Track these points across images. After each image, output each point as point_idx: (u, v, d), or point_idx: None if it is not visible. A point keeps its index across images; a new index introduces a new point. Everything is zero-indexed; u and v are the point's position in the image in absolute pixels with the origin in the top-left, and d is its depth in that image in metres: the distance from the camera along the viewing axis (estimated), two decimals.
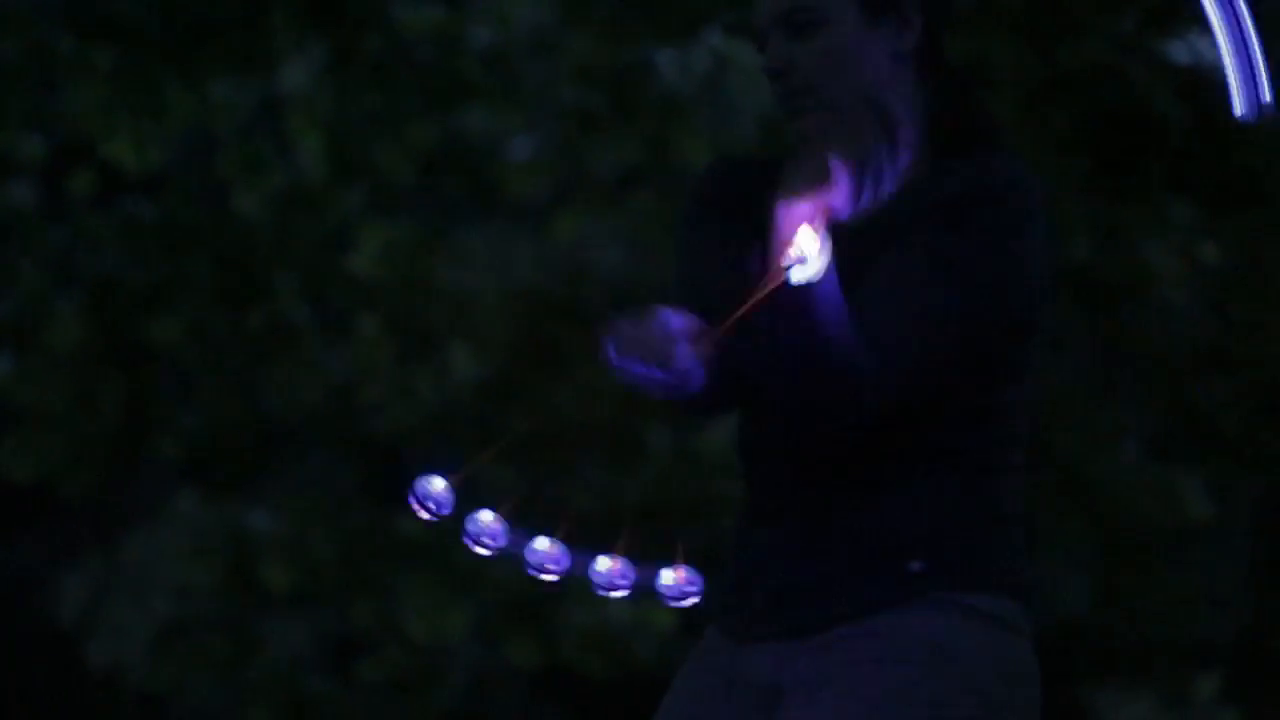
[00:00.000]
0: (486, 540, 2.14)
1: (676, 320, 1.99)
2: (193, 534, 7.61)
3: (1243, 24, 2.30)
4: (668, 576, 2.09)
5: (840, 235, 1.98)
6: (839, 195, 2.01)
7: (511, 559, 2.10)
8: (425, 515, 2.13)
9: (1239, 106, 2.30)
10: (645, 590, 2.06)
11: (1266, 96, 2.32)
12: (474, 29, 6.44)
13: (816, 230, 1.97)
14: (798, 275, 1.96)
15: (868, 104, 2.03)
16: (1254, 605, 7.68)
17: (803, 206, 1.98)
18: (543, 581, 1.99)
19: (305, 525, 7.53)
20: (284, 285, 6.78)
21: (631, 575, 2.03)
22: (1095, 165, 6.07)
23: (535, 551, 2.11)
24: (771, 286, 1.97)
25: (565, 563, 2.11)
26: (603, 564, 2.09)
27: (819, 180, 1.98)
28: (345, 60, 6.19)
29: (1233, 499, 7.54)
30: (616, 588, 2.05)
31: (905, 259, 2.00)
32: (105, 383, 6.74)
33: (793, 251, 1.97)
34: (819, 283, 1.93)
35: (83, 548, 8.01)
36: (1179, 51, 6.12)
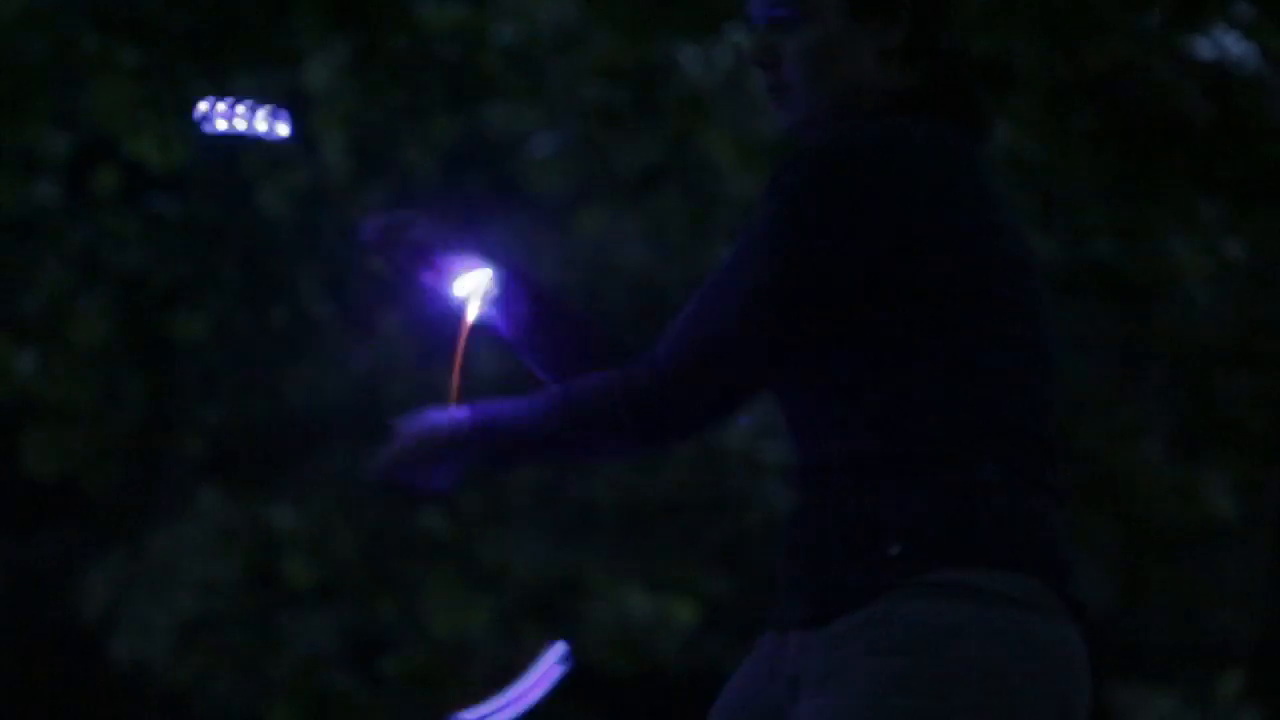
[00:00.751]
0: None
1: (426, 422, 2.05)
2: (216, 530, 7.62)
3: None
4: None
5: None
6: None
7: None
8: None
9: None
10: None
11: None
12: (497, 26, 6.44)
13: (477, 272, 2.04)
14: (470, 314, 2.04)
15: (845, 103, 1.98)
16: (1277, 603, 7.65)
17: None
18: None
19: (328, 521, 7.54)
20: (307, 282, 6.79)
21: None
22: (1121, 163, 6.06)
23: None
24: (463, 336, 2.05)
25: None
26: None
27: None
28: (368, 57, 6.20)
29: (1256, 497, 7.52)
30: None
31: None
32: (129, 379, 6.75)
33: (458, 292, 2.05)
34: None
35: (107, 544, 8.03)
36: (1204, 48, 6.10)
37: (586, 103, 6.60)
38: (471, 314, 2.08)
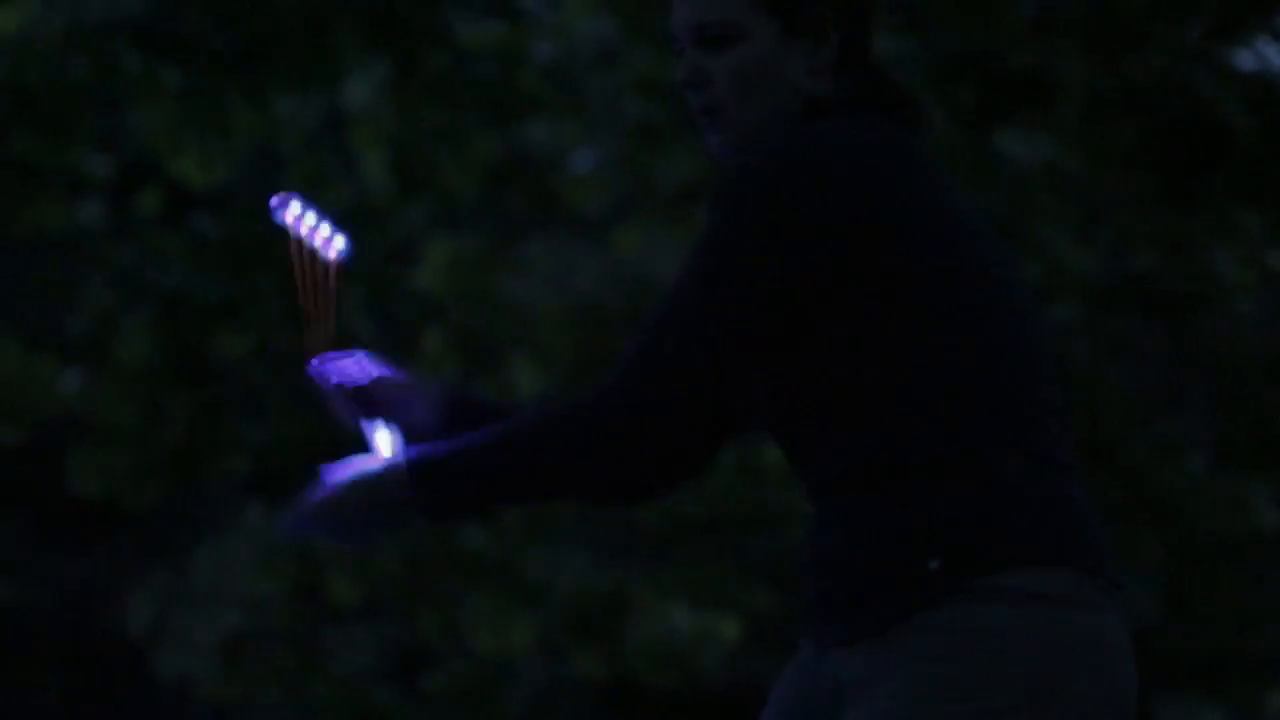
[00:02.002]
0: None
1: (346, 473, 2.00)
2: (260, 547, 7.64)
3: None
4: None
5: None
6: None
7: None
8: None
9: None
10: None
11: None
12: (536, 43, 6.45)
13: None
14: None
15: (776, 121, 1.94)
16: None
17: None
18: None
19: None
20: (348, 301, 6.81)
21: None
22: (1162, 175, 6.03)
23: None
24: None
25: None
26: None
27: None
28: (408, 76, 6.21)
29: None
30: None
31: None
32: (173, 398, 6.78)
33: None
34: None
35: (152, 561, 8.05)
36: (1245, 60, 6.06)
37: (625, 119, 6.60)
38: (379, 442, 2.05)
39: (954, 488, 1.92)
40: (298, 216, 2.09)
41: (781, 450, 2.02)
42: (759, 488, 7.43)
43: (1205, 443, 7.02)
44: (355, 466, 2.00)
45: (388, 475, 1.95)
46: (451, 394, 2.13)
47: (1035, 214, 6.44)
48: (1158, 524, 7.08)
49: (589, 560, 7.97)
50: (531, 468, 1.90)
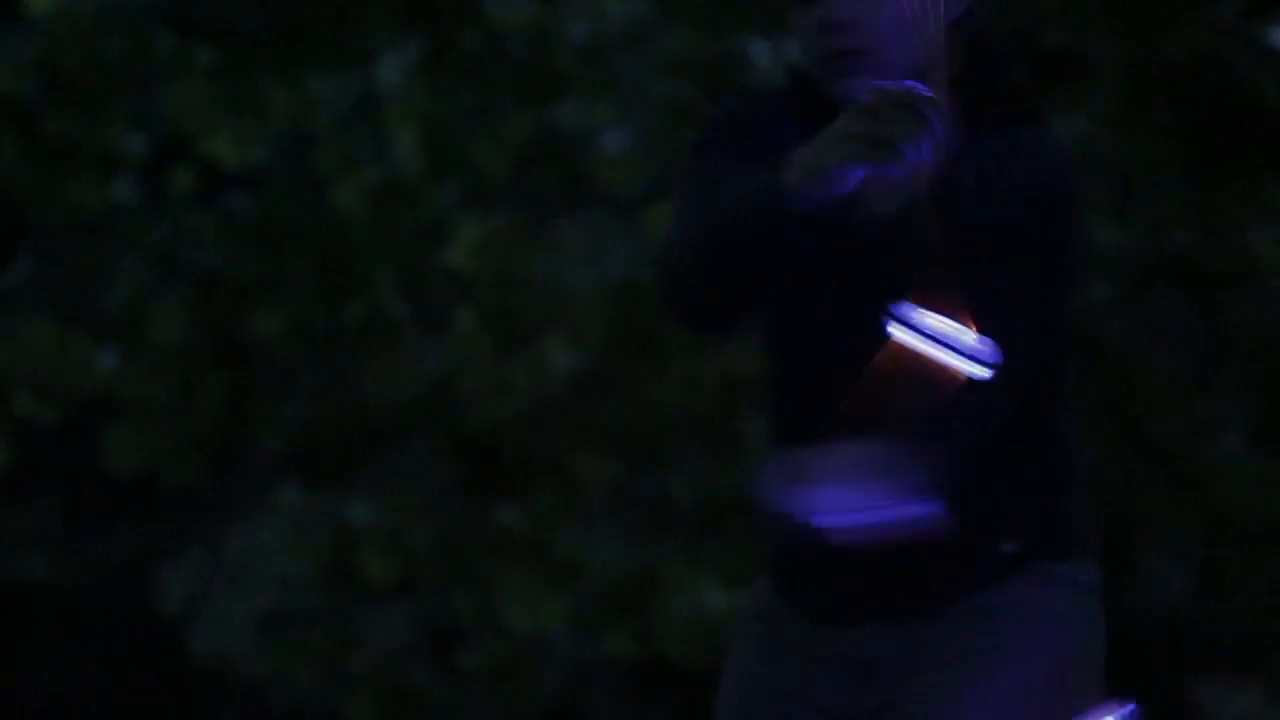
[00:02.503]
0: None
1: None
2: (293, 526, 7.67)
3: None
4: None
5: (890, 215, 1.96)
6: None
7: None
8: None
9: None
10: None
11: None
12: (568, 23, 6.44)
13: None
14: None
15: (921, 74, 1.96)
16: None
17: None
18: None
19: (405, 517, 7.57)
20: (381, 279, 6.82)
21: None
22: (1198, 153, 5.99)
23: None
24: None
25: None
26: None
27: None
28: (440, 55, 6.21)
29: None
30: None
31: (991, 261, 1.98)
32: (207, 377, 6.80)
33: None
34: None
35: (186, 539, 8.09)
36: None
37: (657, 99, 6.59)
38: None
39: (1046, 483, 2.03)
40: None
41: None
42: None
43: (1240, 422, 6.99)
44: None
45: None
46: None
47: None
48: (1192, 504, 7.05)
49: (622, 539, 7.97)
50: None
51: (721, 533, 7.88)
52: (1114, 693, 2.04)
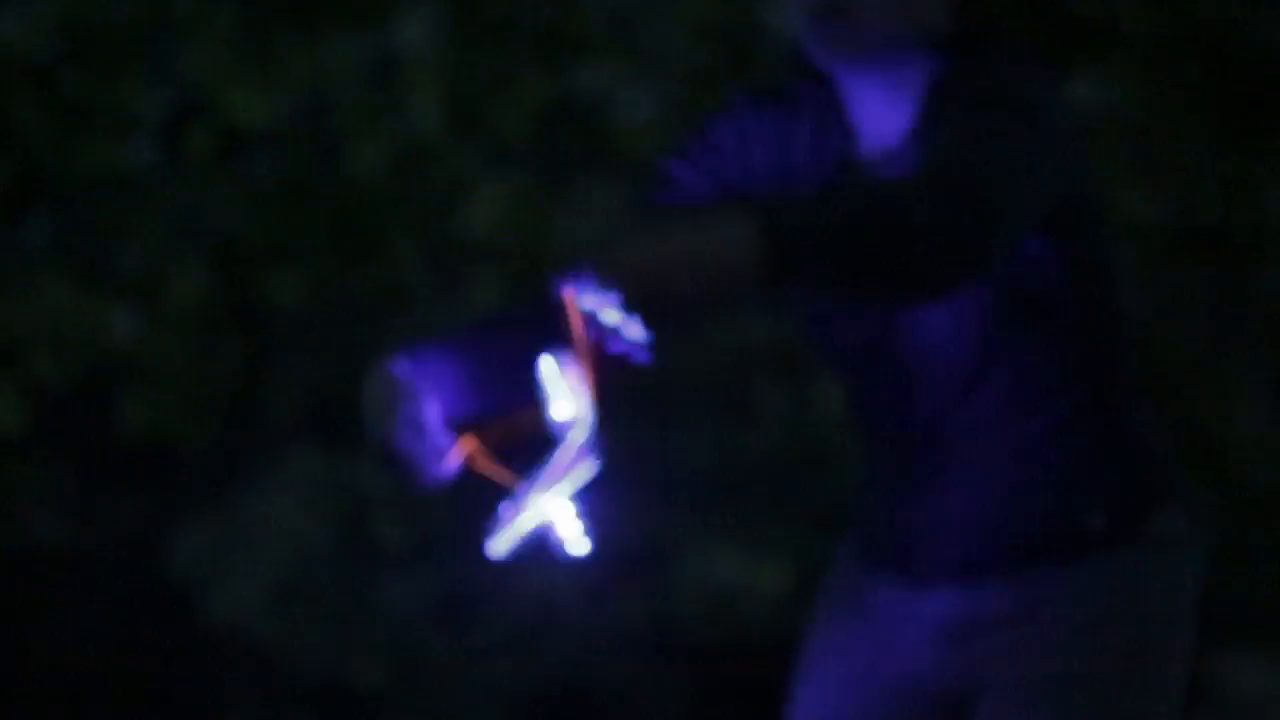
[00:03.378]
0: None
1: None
2: (308, 491, 7.64)
3: None
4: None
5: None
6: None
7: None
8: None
9: None
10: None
11: None
12: None
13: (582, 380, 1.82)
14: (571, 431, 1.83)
15: (914, 39, 1.96)
16: None
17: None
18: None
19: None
20: (400, 243, 6.78)
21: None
22: (1226, 120, 5.95)
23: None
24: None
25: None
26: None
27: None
28: (460, 17, 6.16)
29: None
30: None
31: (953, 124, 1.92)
32: (223, 341, 6.77)
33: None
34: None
35: (199, 504, 8.07)
36: None
37: (680, 62, 6.54)
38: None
39: (1113, 437, 2.03)
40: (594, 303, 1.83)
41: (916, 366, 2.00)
42: (812, 433, 7.39)
43: (1265, 394, 6.96)
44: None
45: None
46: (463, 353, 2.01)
47: (1096, 161, 6.36)
48: (1215, 476, 7.03)
49: (633, 507, 7.94)
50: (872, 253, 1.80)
51: (735, 501, 7.86)
52: None
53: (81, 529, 8.35)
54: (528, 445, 1.94)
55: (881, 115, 1.98)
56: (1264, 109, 5.99)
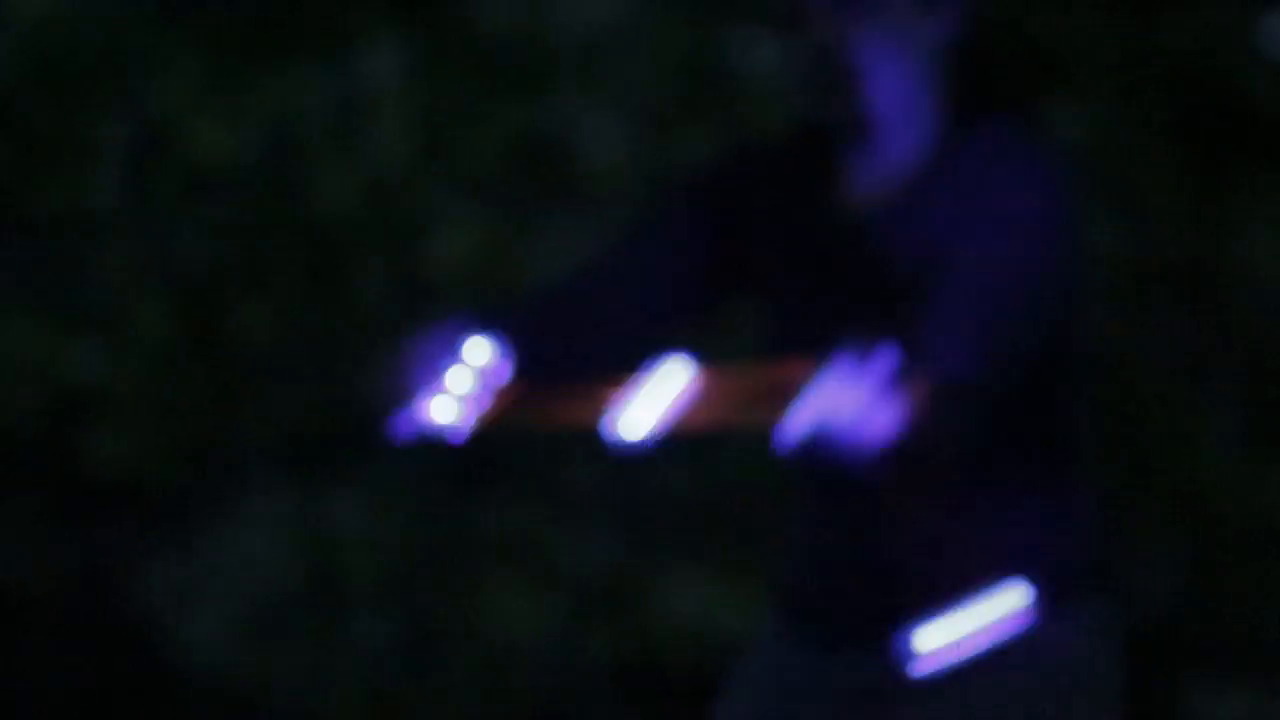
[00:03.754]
0: None
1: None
2: (276, 528, 7.61)
3: None
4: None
5: (859, 223, 1.96)
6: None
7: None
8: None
9: None
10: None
11: None
12: (554, 23, 6.41)
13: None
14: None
15: (897, 104, 1.97)
16: None
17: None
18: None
19: (388, 519, 7.53)
20: (368, 277, 6.77)
21: None
22: (1194, 151, 5.97)
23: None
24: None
25: None
26: None
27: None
28: (426, 52, 6.17)
29: None
30: None
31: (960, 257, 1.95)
32: (190, 375, 6.74)
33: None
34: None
35: (166, 541, 8.03)
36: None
37: (643, 99, 6.56)
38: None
39: (1049, 504, 2.01)
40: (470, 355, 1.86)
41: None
42: (783, 466, 7.36)
43: (1233, 423, 6.97)
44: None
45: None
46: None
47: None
48: (1183, 506, 7.03)
49: (610, 541, 7.92)
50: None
51: (712, 533, 7.84)
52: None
53: (46, 566, 8.30)
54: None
55: (885, 153, 1.98)
56: (1232, 140, 6.01)
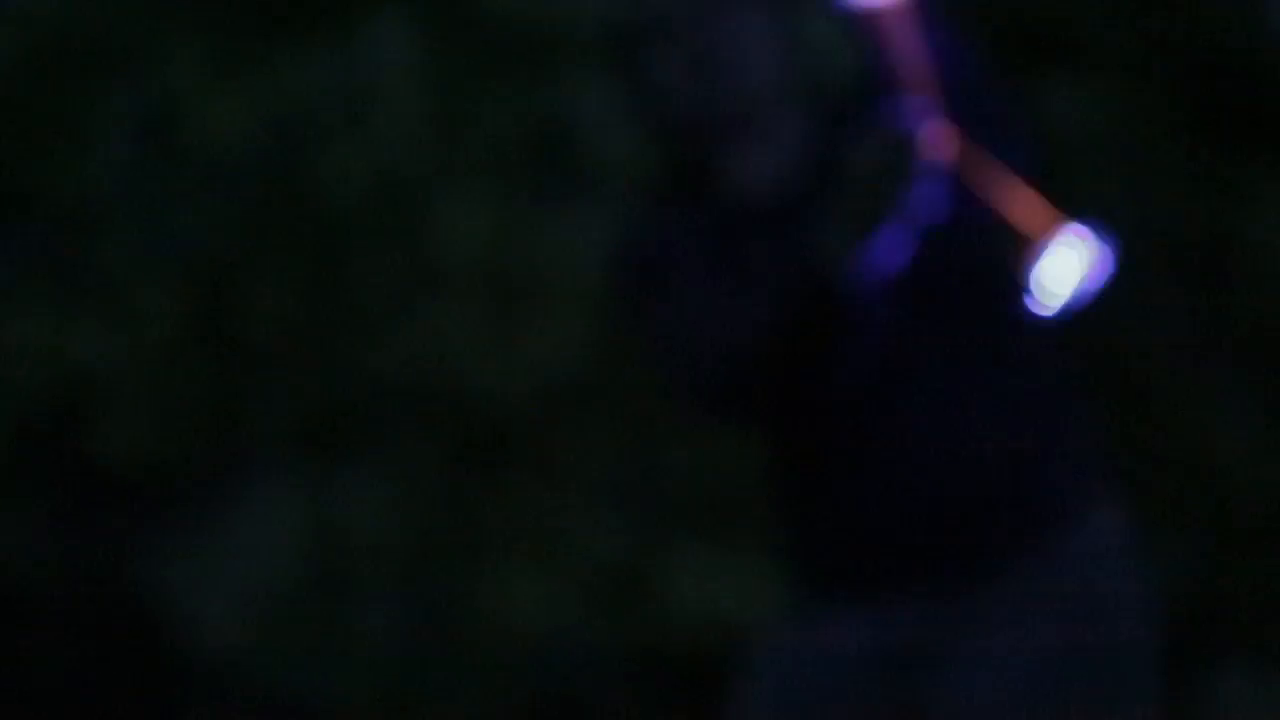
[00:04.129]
0: None
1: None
2: (284, 515, 7.59)
3: None
4: None
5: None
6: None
7: None
8: None
9: None
10: None
11: None
12: (572, 10, 6.38)
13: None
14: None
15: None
16: None
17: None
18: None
19: (397, 507, 7.52)
20: (376, 261, 6.75)
21: None
22: (1205, 133, 5.93)
23: None
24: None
25: None
26: None
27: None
28: (438, 35, 6.14)
29: None
30: None
31: None
32: (198, 362, 6.72)
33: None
34: None
35: (173, 529, 8.01)
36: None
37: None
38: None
39: (1072, 436, 2.16)
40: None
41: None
42: None
43: (1249, 412, 6.94)
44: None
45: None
46: None
47: (1071, 172, 6.35)
48: (1198, 488, 7.00)
49: (624, 526, 7.90)
50: None
51: (723, 518, 7.81)
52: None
53: (54, 554, 8.29)
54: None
55: None
56: (1243, 119, 5.98)
